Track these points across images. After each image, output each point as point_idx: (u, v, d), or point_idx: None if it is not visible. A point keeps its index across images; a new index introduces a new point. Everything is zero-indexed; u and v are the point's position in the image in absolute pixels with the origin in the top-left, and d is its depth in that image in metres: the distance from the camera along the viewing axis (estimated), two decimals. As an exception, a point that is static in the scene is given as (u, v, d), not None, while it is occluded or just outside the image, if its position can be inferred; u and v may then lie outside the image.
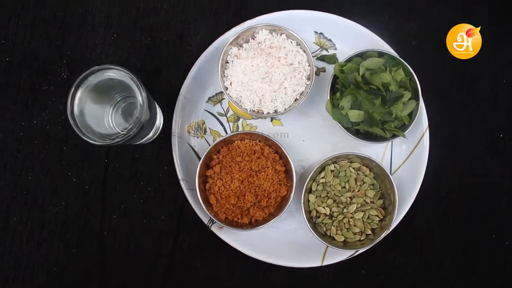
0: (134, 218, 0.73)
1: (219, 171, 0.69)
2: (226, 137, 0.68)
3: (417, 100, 0.68)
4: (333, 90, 0.70)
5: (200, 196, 0.67)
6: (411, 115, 0.69)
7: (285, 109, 0.70)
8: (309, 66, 0.70)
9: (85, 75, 0.60)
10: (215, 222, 0.70)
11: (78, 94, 0.61)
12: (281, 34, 0.70)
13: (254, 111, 0.70)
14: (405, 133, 0.68)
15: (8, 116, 0.74)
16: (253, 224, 0.69)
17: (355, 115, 0.67)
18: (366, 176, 0.71)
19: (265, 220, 0.68)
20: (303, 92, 0.70)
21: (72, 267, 0.72)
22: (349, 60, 0.69)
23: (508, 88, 0.75)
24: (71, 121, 0.59)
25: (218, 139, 0.69)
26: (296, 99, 0.70)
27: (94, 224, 0.73)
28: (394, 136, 0.68)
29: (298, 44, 0.70)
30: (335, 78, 0.69)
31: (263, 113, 0.70)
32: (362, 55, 0.69)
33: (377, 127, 0.67)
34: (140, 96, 0.60)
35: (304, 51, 0.70)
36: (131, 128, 0.59)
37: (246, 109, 0.70)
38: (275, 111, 0.70)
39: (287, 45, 0.69)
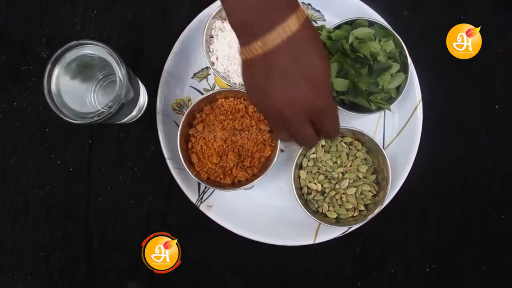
0: (120, 199, 0.71)
1: (202, 129, 0.67)
2: (209, 94, 0.66)
3: (406, 73, 0.66)
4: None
5: (181, 155, 0.65)
6: (399, 89, 0.67)
7: (274, 81, 0.68)
8: (296, 36, 0.68)
9: (62, 51, 0.58)
10: (204, 201, 0.68)
11: (56, 72, 0.58)
12: (266, 5, 0.68)
13: (243, 84, 0.68)
14: (396, 105, 0.66)
15: (-13, 98, 0.72)
16: (236, 184, 0.67)
17: (340, 84, 0.65)
18: (358, 150, 0.69)
19: (248, 181, 0.67)
20: (291, 63, 0.68)
21: (59, 251, 0.71)
22: (338, 27, 0.67)
23: (504, 59, 0.73)
24: (48, 100, 0.57)
25: (201, 97, 0.66)
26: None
27: (80, 206, 0.71)
28: (379, 108, 0.66)
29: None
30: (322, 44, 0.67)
31: (251, 87, 0.68)
32: (352, 23, 0.67)
33: (362, 97, 0.65)
34: (120, 72, 0.58)
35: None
36: (111, 105, 0.57)
37: (235, 83, 0.68)
38: (264, 84, 0.68)
39: (272, 15, 0.67)
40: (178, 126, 0.66)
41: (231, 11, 0.43)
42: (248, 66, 0.45)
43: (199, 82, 0.72)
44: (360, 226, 0.68)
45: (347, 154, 0.68)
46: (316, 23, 0.72)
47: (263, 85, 0.45)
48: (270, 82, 0.44)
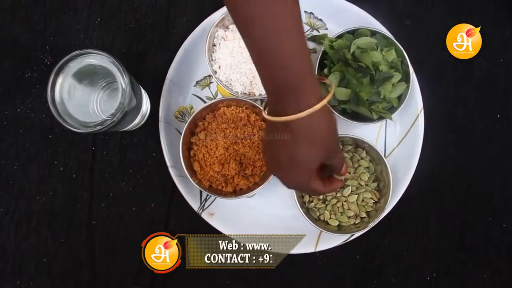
0: (123, 206, 0.71)
1: (204, 138, 0.67)
2: (212, 102, 0.67)
3: (408, 83, 0.66)
4: (321, 66, 0.68)
5: (184, 163, 0.66)
6: (400, 98, 0.67)
7: (276, 90, 0.68)
8: (298, 45, 0.68)
9: (65, 60, 0.58)
10: (206, 209, 0.68)
11: (59, 81, 0.59)
12: (268, 13, 0.68)
13: (245, 93, 0.69)
14: (397, 114, 0.67)
15: (-9, 105, 0.72)
16: (238, 192, 0.67)
17: (342, 93, 0.65)
18: (362, 158, 0.69)
19: (249, 189, 0.67)
20: (293, 72, 0.68)
21: (62, 258, 0.71)
22: (340, 36, 0.67)
23: (505, 68, 0.73)
24: (52, 109, 0.58)
25: (203, 105, 0.67)
26: (287, 79, 0.68)
27: (82, 213, 0.71)
28: (381, 117, 0.67)
29: (286, 23, 0.68)
30: (323, 54, 0.67)
31: (254, 95, 0.68)
32: (354, 33, 0.67)
33: (363, 107, 0.65)
34: (122, 81, 0.58)
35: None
36: (114, 114, 0.58)
37: (237, 92, 0.68)
38: (267, 92, 0.68)
39: (275, 24, 0.67)
40: (181, 134, 0.66)
41: (265, 80, 0.49)
42: (273, 129, 0.51)
43: (201, 90, 0.72)
44: (361, 235, 0.68)
45: (351, 159, 0.69)
46: (318, 31, 0.72)
47: (288, 147, 0.51)
48: (294, 144, 0.51)
